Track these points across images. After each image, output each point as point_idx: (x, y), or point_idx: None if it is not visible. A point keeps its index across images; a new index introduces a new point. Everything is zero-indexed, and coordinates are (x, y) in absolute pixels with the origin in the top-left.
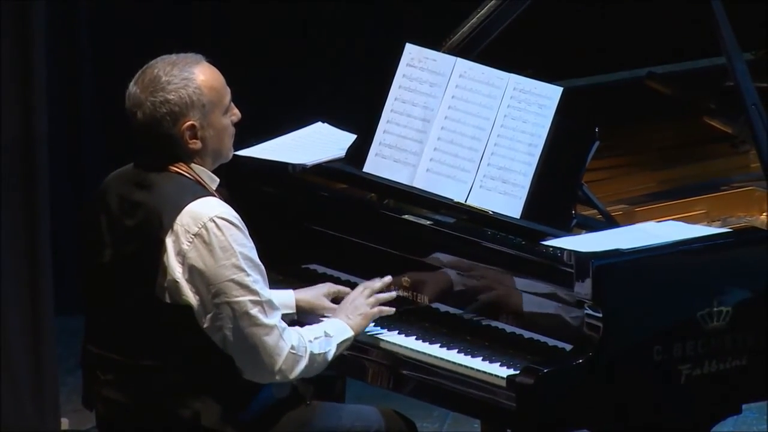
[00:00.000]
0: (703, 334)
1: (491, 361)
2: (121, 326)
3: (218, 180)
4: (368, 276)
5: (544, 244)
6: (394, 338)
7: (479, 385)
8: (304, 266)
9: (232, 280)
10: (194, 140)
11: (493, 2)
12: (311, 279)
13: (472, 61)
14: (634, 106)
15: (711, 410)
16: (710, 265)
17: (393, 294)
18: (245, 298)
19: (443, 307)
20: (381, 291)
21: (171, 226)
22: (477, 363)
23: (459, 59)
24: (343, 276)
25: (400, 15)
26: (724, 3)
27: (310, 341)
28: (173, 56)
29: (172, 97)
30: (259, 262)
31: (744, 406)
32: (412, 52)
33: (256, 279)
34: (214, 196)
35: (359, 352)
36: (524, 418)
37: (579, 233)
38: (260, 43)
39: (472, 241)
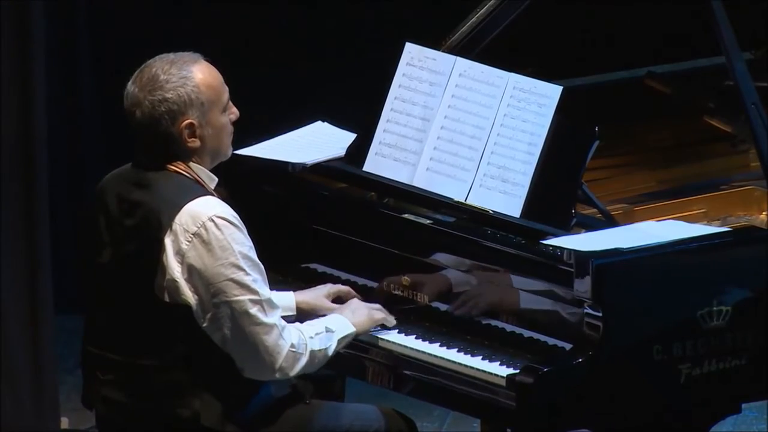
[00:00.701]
0: (703, 334)
1: (491, 361)
2: (121, 326)
3: (217, 179)
4: (368, 275)
5: (544, 243)
6: (394, 337)
7: (479, 385)
8: (303, 265)
9: (231, 280)
10: (193, 139)
11: (493, 1)
12: (311, 278)
13: (472, 60)
14: (634, 106)
15: (710, 409)
16: (710, 264)
17: (393, 322)
18: (245, 297)
19: (443, 306)
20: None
21: (170, 226)
22: (477, 362)
23: (459, 58)
24: (343, 275)
25: (400, 14)
26: (724, 3)
27: (311, 337)
28: (171, 55)
29: (171, 95)
30: (258, 261)
31: (744, 406)
32: (412, 51)
33: (256, 278)
34: (213, 195)
35: (359, 351)
36: (524, 417)
37: (579, 232)
38: (260, 42)
39: (472, 241)
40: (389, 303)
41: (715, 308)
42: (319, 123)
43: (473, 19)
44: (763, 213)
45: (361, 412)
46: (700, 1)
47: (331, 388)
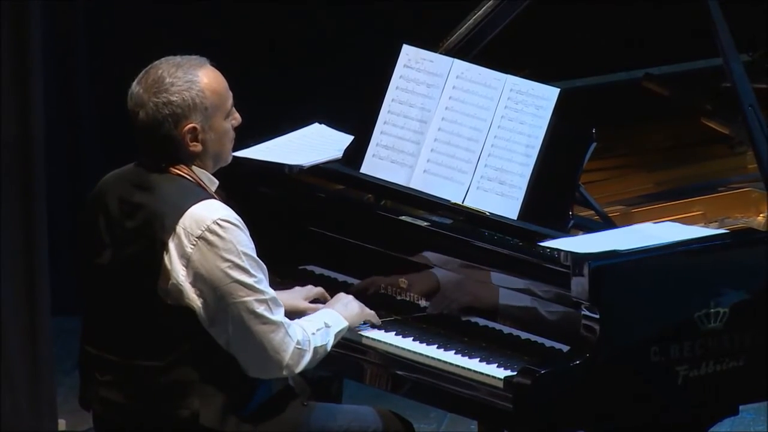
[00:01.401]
0: (700, 335)
1: (488, 362)
2: (120, 327)
3: (218, 182)
4: (365, 277)
5: (541, 245)
6: (391, 339)
7: (476, 386)
8: (301, 267)
9: (238, 281)
10: (195, 143)
11: (490, 3)
12: (308, 280)
13: (469, 62)
14: (631, 107)
15: (708, 411)
16: (707, 266)
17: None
18: (251, 297)
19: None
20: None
21: (173, 229)
22: (474, 364)
23: (456, 60)
24: (340, 277)
25: (397, 16)
26: (721, 4)
27: (313, 334)
28: (178, 58)
29: (175, 98)
30: (260, 261)
31: (741, 407)
32: (409, 53)
33: (260, 278)
34: (215, 198)
35: (356, 353)
36: (521, 419)
37: (576, 234)
38: (257, 44)
39: (469, 243)
40: (386, 304)
41: (712, 310)
42: (316, 125)
43: (470, 21)
44: (761, 215)
45: (358, 413)
46: (698, 2)
47: (328, 390)
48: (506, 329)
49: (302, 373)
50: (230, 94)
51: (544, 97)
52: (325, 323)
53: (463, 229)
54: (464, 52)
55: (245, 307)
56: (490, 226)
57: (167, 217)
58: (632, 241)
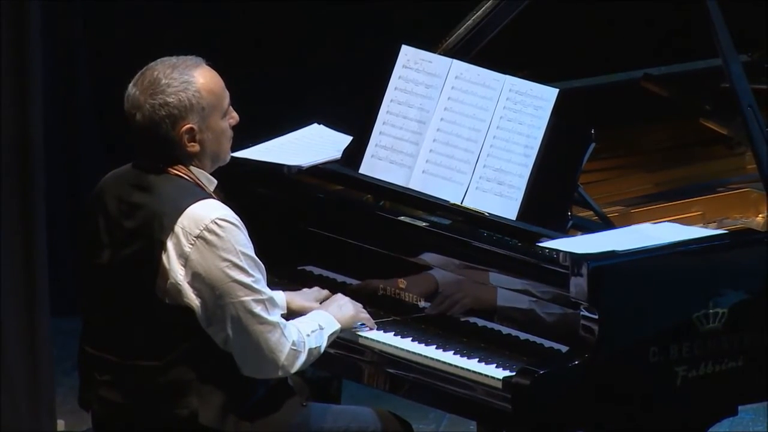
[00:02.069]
0: (699, 336)
1: (487, 363)
2: (119, 327)
3: (216, 182)
4: (364, 278)
5: (540, 246)
6: (389, 339)
7: (475, 387)
8: (299, 268)
9: (236, 281)
10: (192, 143)
11: (489, 3)
12: (307, 281)
13: (468, 63)
14: (630, 108)
15: (707, 411)
16: (706, 266)
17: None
18: (249, 297)
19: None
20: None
21: (172, 229)
22: (473, 364)
23: (455, 61)
24: (339, 277)
25: (396, 16)
26: (720, 4)
27: (308, 335)
28: (173, 59)
29: (172, 99)
30: (259, 261)
31: (740, 408)
32: (408, 53)
33: (258, 278)
34: (213, 197)
35: (355, 354)
36: (520, 419)
37: (575, 235)
38: (256, 44)
39: (468, 243)
40: (384, 304)
41: (711, 310)
42: (314, 125)
43: (469, 22)
44: (760, 215)
45: (357, 414)
46: (697, 2)
47: (327, 390)
48: (505, 329)
49: (301, 374)
50: (227, 93)
51: (542, 98)
52: (320, 325)
53: (462, 229)
54: (463, 52)
55: (243, 306)
56: (488, 226)
57: (166, 216)
58: (631, 241)
